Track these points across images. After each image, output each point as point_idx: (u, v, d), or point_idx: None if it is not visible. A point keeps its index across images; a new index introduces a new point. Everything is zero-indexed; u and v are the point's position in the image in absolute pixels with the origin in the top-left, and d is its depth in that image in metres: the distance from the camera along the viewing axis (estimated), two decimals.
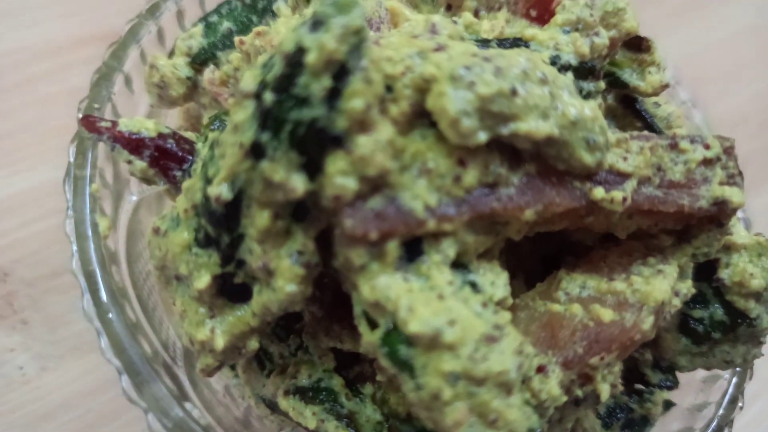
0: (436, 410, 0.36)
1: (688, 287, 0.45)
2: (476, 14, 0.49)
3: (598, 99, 0.45)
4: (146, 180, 0.45)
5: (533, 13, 0.47)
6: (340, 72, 0.34)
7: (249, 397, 0.52)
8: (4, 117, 0.78)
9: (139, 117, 0.44)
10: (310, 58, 0.33)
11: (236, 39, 0.49)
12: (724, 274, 0.47)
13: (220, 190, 0.38)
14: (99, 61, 0.85)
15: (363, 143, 0.35)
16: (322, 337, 0.48)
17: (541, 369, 0.41)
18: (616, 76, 0.49)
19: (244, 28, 0.52)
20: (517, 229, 0.42)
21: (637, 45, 0.49)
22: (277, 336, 0.51)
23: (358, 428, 0.46)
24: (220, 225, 0.39)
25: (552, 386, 0.40)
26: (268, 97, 0.35)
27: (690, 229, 0.45)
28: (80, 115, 0.48)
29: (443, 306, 0.37)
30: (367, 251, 0.38)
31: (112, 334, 0.41)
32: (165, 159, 0.44)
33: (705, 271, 0.49)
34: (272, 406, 0.51)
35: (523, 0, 0.47)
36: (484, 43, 0.43)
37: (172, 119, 0.59)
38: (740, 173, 0.44)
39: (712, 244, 0.45)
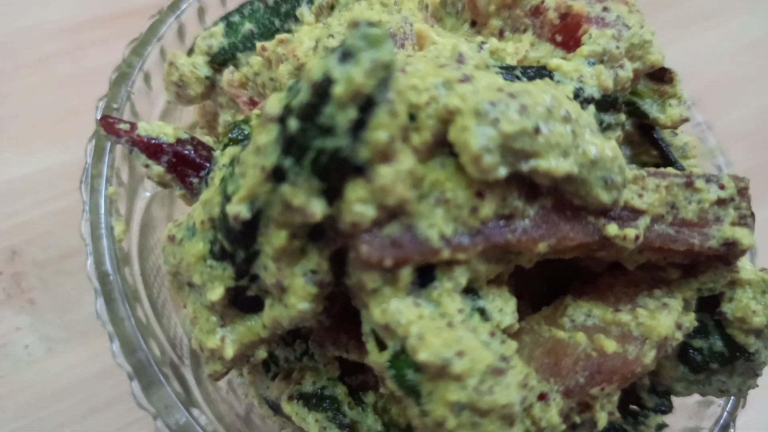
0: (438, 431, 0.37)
1: (690, 320, 0.46)
2: (501, 34, 0.49)
3: (618, 131, 0.45)
4: (163, 184, 0.46)
5: (558, 38, 0.47)
6: (366, 104, 0.34)
7: (253, 397, 0.53)
8: (20, 97, 0.78)
9: (158, 122, 0.44)
10: (338, 90, 0.33)
11: (258, 45, 0.49)
12: (726, 308, 0.48)
13: (239, 209, 0.38)
14: (116, 41, 0.85)
15: (384, 173, 0.36)
16: (328, 345, 0.49)
17: (542, 397, 0.42)
18: (637, 106, 0.49)
19: (266, 31, 0.52)
20: (528, 259, 0.42)
21: (659, 76, 0.49)
22: (283, 340, 0.52)
23: None
24: (237, 241, 0.40)
25: (552, 414, 0.41)
26: (293, 123, 0.35)
27: (698, 264, 0.46)
28: (99, 115, 0.48)
29: (453, 336, 0.38)
30: (381, 276, 0.39)
31: (124, 338, 0.42)
32: (182, 165, 0.44)
33: (708, 303, 0.49)
34: (275, 408, 0.52)
35: (549, 24, 0.47)
36: (508, 70, 0.43)
37: (188, 113, 0.59)
38: (752, 214, 0.44)
39: (718, 280, 0.46)
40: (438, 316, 0.39)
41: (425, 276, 0.40)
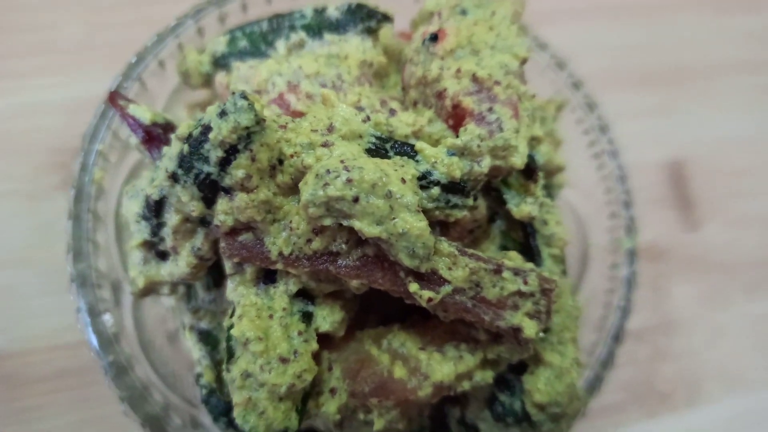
0: (232, 390, 0.52)
1: (485, 377, 0.56)
2: (415, 104, 0.59)
3: (465, 211, 0.54)
4: (139, 151, 0.62)
5: (450, 122, 0.56)
6: (232, 149, 0.48)
7: (176, 317, 0.70)
8: (115, 30, 0.97)
9: (144, 106, 0.60)
10: (212, 135, 0.47)
11: (235, 64, 0.63)
12: (526, 379, 0.57)
13: (153, 192, 0.54)
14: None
15: (241, 198, 0.50)
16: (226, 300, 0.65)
17: (332, 391, 0.55)
18: (501, 194, 0.58)
19: (255, 51, 0.65)
20: (355, 287, 0.54)
21: (529, 174, 0.57)
22: (207, 285, 0.68)
23: (220, 373, 0.63)
24: (152, 212, 0.55)
25: (331, 405, 0.54)
26: (185, 148, 0.49)
27: (501, 335, 0.55)
28: (112, 87, 0.65)
29: (264, 324, 0.52)
30: (234, 266, 0.54)
31: (76, 251, 0.60)
32: (151, 142, 0.60)
33: (522, 367, 0.59)
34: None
35: (446, 111, 0.56)
36: (381, 141, 0.53)
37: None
38: (548, 312, 0.53)
39: (512, 354, 0.55)
40: (266, 308, 0.53)
41: (269, 277, 0.54)
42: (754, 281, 1.09)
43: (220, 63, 0.67)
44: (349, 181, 0.48)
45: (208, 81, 0.68)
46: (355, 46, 0.61)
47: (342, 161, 0.49)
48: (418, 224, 0.49)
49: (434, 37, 0.57)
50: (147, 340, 0.66)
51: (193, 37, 0.70)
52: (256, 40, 0.66)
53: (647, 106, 1.17)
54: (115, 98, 0.61)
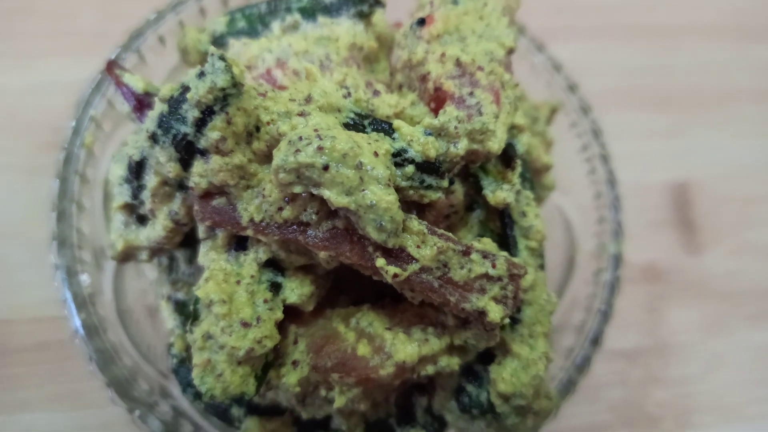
0: (193, 350, 0.52)
1: (450, 363, 0.55)
2: (400, 87, 0.60)
3: (440, 193, 0.54)
4: (131, 119, 0.64)
5: (432, 105, 0.57)
6: (208, 110, 0.49)
7: (156, 288, 0.71)
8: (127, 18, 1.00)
9: (138, 76, 0.62)
10: (189, 95, 0.48)
11: (230, 41, 0.65)
12: (492, 368, 0.56)
13: (133, 152, 0.55)
14: None
15: (215, 161, 0.50)
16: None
17: (294, 363, 0.55)
18: (478, 179, 0.57)
19: (251, 31, 0.67)
20: (325, 261, 0.54)
21: (508, 162, 0.57)
22: (189, 258, 0.69)
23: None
24: (132, 173, 0.56)
25: (292, 376, 0.54)
26: (165, 108, 0.50)
27: (468, 320, 0.55)
28: (112, 57, 0.67)
29: (229, 288, 0.52)
30: (206, 230, 0.54)
31: (59, 207, 0.62)
32: (141, 110, 0.61)
33: (490, 358, 0.58)
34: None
35: (428, 94, 0.57)
36: (360, 117, 0.54)
37: None
38: (515, 299, 0.52)
39: (479, 340, 0.54)
40: (234, 273, 0.53)
41: (240, 244, 0.55)
42: (757, 311, 1.06)
43: (219, 42, 0.69)
44: (320, 149, 0.48)
45: (206, 59, 0.70)
46: (346, 29, 0.62)
47: (316, 130, 0.49)
48: (387, 197, 0.49)
49: (421, 21, 0.58)
50: (125, 309, 0.66)
51: (195, 17, 0.71)
52: (254, 22, 0.67)
53: (657, 127, 1.16)
54: (111, 67, 0.63)
